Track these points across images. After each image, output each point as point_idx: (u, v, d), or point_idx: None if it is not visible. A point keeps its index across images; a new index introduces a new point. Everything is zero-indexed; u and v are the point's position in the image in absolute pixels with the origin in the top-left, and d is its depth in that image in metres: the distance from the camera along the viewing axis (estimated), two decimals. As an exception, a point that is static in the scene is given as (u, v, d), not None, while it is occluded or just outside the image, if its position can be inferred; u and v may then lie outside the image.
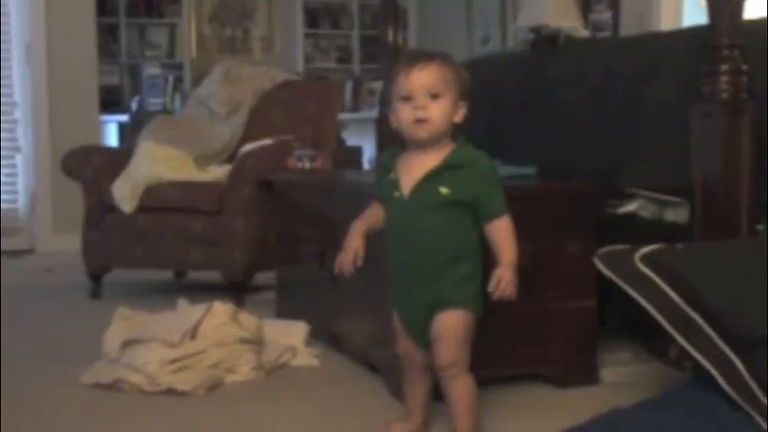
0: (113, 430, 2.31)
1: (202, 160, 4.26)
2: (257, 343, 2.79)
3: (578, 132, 2.95)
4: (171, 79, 7.91)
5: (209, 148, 4.33)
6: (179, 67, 8.05)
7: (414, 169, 2.00)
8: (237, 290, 3.79)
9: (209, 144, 4.35)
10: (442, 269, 1.98)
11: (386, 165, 2.08)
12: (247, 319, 2.83)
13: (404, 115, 1.97)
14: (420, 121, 1.95)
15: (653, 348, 2.69)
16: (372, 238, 2.11)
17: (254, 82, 4.60)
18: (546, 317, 2.52)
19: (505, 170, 2.84)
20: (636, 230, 2.60)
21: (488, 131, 3.38)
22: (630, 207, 2.64)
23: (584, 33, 3.60)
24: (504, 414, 2.34)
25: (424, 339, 2.03)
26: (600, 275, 2.15)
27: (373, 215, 2.11)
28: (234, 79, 4.58)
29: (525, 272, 2.47)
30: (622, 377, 2.61)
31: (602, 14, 5.89)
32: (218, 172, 4.11)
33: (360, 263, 2.04)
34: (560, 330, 2.53)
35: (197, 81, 6.76)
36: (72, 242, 4.46)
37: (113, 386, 2.63)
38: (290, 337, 2.97)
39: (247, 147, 4.06)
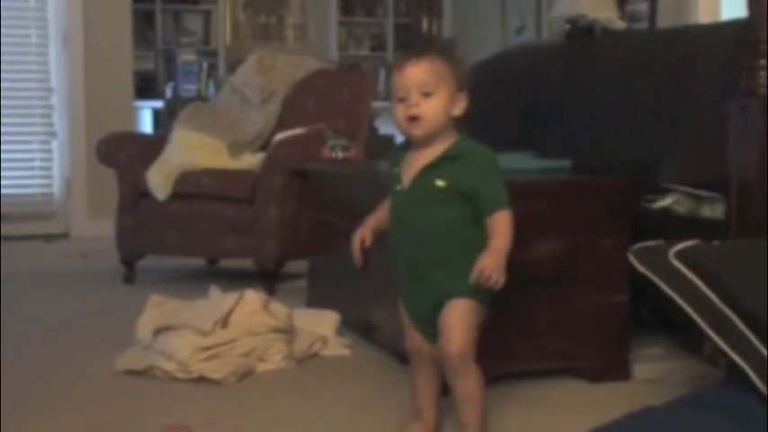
0: (146, 416, 2.33)
1: (236, 148, 4.27)
2: (288, 332, 2.80)
3: (614, 126, 2.92)
4: (205, 66, 7.94)
5: (243, 136, 4.35)
6: (213, 53, 8.08)
7: (414, 163, 2.01)
8: (269, 278, 3.80)
9: (242, 132, 4.37)
10: (445, 261, 1.97)
11: (393, 159, 2.09)
12: (278, 309, 2.84)
13: (398, 113, 1.97)
14: (413, 118, 1.95)
15: (686, 345, 2.67)
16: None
17: (288, 70, 4.61)
18: (579, 311, 2.50)
19: (539, 163, 2.83)
20: (671, 226, 2.58)
21: (522, 123, 3.37)
22: (666, 202, 2.62)
23: (621, 24, 3.56)
24: (535, 409, 2.34)
25: (432, 332, 2.02)
26: (634, 270, 2.13)
27: (383, 208, 2.13)
28: (268, 67, 4.59)
29: (558, 265, 2.47)
30: (655, 373, 2.60)
31: (639, 5, 5.82)
32: (251, 160, 4.12)
33: (368, 243, 2.07)
34: (593, 325, 2.52)
35: (231, 68, 6.79)
36: (106, 227, 4.49)
37: (146, 372, 2.65)
38: (320, 326, 2.98)
39: (281, 135, 4.07)
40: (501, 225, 1.94)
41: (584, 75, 3.18)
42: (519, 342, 2.48)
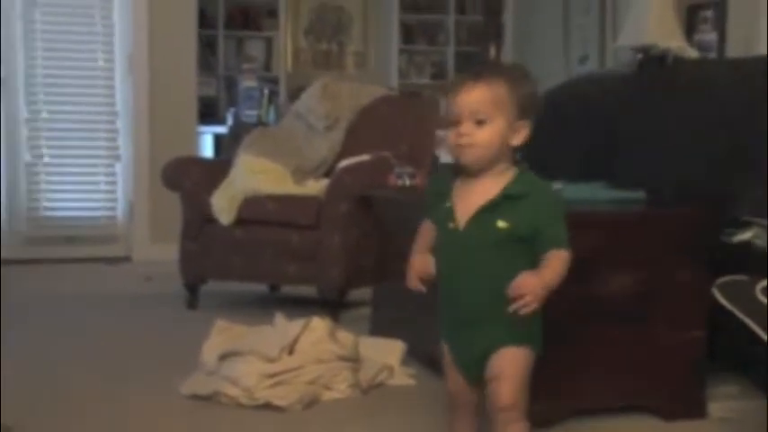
0: (212, 443, 2.32)
1: (300, 174, 4.27)
2: (354, 360, 2.78)
3: (691, 156, 2.86)
4: (266, 92, 8.00)
5: (307, 163, 4.35)
6: (274, 80, 8.14)
7: (470, 199, 1.84)
8: (332, 305, 3.78)
9: (306, 158, 4.37)
10: (500, 307, 1.79)
11: (439, 190, 1.92)
12: (345, 337, 2.82)
13: (450, 139, 1.84)
14: (464, 145, 1.82)
15: (763, 383, 2.59)
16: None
17: (352, 97, 4.61)
18: (654, 347, 2.44)
19: (613, 194, 2.78)
20: (751, 260, 2.50)
21: (592, 153, 3.31)
22: (746, 236, 2.55)
23: (694, 54, 3.51)
24: (608, 446, 2.29)
25: (477, 377, 1.90)
26: (710, 307, 2.07)
27: (427, 235, 1.95)
28: (332, 94, 4.60)
29: (633, 300, 2.41)
30: (731, 412, 2.53)
31: (707, 35, 5.74)
32: (315, 186, 4.12)
33: (431, 270, 1.90)
34: (668, 361, 2.46)
35: (292, 94, 6.81)
36: (168, 251, 4.52)
37: (211, 398, 2.64)
38: (386, 355, 2.95)
39: (345, 162, 4.06)
40: (555, 261, 1.79)
41: (658, 104, 3.13)
42: (592, 378, 2.42)
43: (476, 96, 1.80)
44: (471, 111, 1.80)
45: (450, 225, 1.86)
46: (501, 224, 1.80)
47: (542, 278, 1.75)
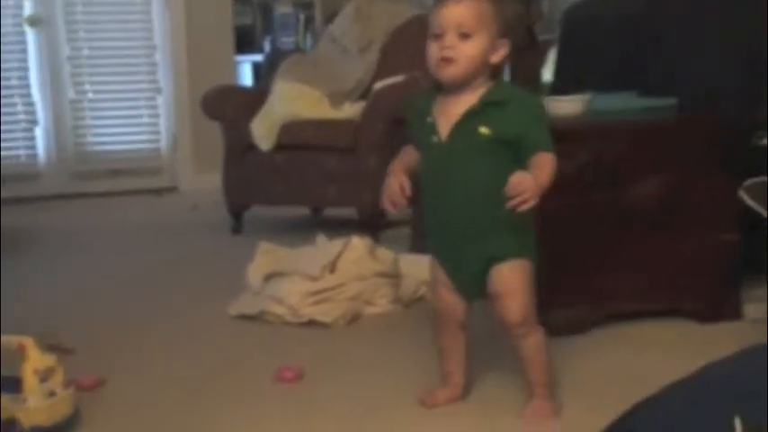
0: (260, 358, 2.41)
1: (336, 98, 4.31)
2: (394, 277, 2.85)
3: (721, 61, 2.84)
4: (302, 18, 7.98)
5: (343, 86, 4.39)
6: (310, 5, 8.10)
7: (451, 111, 1.85)
8: (372, 226, 3.85)
9: (342, 82, 4.40)
10: (492, 217, 1.82)
11: (422, 108, 1.92)
12: (384, 254, 2.90)
13: (432, 52, 1.83)
14: (446, 60, 1.81)
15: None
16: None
17: (385, 18, 4.61)
18: (687, 250, 2.47)
19: (644, 102, 2.78)
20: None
21: (621, 63, 3.30)
22: (777, 138, 2.55)
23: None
24: (643, 349, 2.34)
25: (475, 293, 1.92)
26: (747, 209, 2.10)
27: (408, 157, 1.95)
28: (365, 16, 4.60)
29: (666, 206, 2.44)
30: (765, 313, 2.55)
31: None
32: (351, 109, 4.15)
33: (408, 192, 1.89)
34: (702, 264, 2.49)
35: (327, 19, 6.80)
36: (212, 180, 4.61)
37: (258, 317, 2.74)
38: (425, 271, 3.00)
39: (380, 84, 4.09)
40: (545, 162, 1.78)
41: (687, 10, 3.09)
42: (625, 283, 2.47)
43: (462, 10, 1.80)
44: (457, 24, 1.80)
45: (434, 139, 1.87)
46: (483, 130, 1.81)
47: (537, 178, 1.75)
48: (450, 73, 1.82)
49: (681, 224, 2.44)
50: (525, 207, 1.73)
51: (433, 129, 1.87)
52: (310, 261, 2.81)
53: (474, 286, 1.92)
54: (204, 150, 5.56)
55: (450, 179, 1.86)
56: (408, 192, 1.89)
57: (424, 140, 1.90)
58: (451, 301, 1.97)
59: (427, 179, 1.91)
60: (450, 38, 1.80)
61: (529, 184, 1.73)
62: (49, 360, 1.90)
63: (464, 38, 1.80)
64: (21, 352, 1.88)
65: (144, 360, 2.43)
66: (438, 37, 1.82)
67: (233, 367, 2.35)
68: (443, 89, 1.88)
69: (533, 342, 1.89)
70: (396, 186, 1.89)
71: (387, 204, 1.92)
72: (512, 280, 1.85)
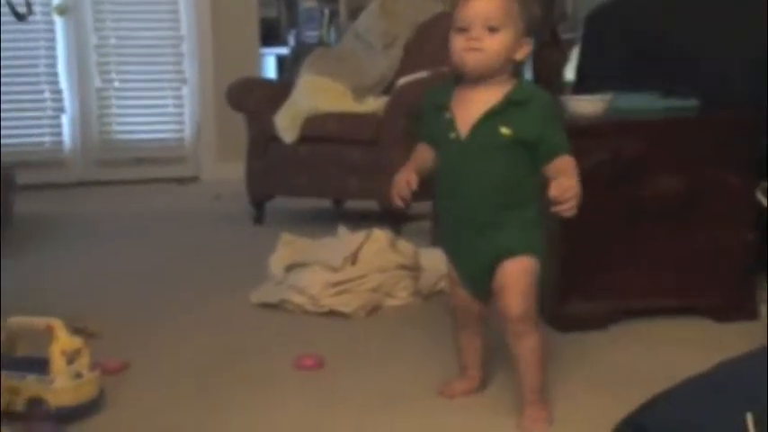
0: (281, 346, 2.45)
1: (360, 92, 4.34)
2: (414, 269, 2.89)
3: (740, 61, 2.86)
4: (327, 12, 8.01)
5: (367, 80, 4.42)
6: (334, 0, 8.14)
7: (471, 107, 1.84)
8: (393, 219, 3.88)
9: (366, 76, 4.44)
10: (504, 215, 1.85)
11: (438, 102, 1.91)
12: (405, 246, 2.93)
13: (457, 44, 1.82)
14: (473, 49, 1.80)
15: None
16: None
17: (410, 14, 4.63)
18: (705, 249, 2.49)
19: (667, 102, 2.80)
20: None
21: (644, 63, 3.32)
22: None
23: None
24: (658, 346, 2.36)
25: (484, 290, 1.93)
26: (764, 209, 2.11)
27: (422, 155, 1.97)
28: (390, 12, 4.63)
29: (683, 204, 2.46)
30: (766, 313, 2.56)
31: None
32: (375, 104, 4.19)
33: (413, 186, 1.93)
34: (719, 263, 2.51)
35: (352, 14, 6.83)
36: (234, 170, 4.66)
37: (279, 306, 2.78)
38: (445, 265, 3.04)
39: (403, 79, 4.12)
40: (568, 165, 1.80)
41: (706, 14, 3.11)
42: (642, 279, 2.49)
43: (491, 5, 1.81)
44: (485, 17, 1.80)
45: (452, 135, 1.86)
46: (504, 131, 1.81)
47: (573, 182, 1.78)
48: (476, 60, 1.81)
49: (698, 222, 2.46)
50: (571, 213, 1.77)
51: (451, 125, 1.87)
52: (332, 252, 2.85)
53: (482, 283, 1.92)
54: (227, 141, 5.61)
55: (466, 176, 1.87)
56: (414, 186, 1.92)
57: (441, 136, 1.89)
58: (465, 299, 1.99)
59: (443, 175, 1.92)
60: (478, 30, 1.80)
61: (577, 190, 1.76)
62: (76, 342, 1.95)
63: (491, 32, 1.80)
64: (49, 333, 1.93)
65: (167, 345, 2.47)
66: (463, 30, 1.82)
67: (254, 354, 2.39)
68: (463, 81, 1.87)
69: (530, 343, 1.87)
70: (403, 182, 1.95)
71: (395, 198, 1.98)
72: (514, 274, 1.85)
